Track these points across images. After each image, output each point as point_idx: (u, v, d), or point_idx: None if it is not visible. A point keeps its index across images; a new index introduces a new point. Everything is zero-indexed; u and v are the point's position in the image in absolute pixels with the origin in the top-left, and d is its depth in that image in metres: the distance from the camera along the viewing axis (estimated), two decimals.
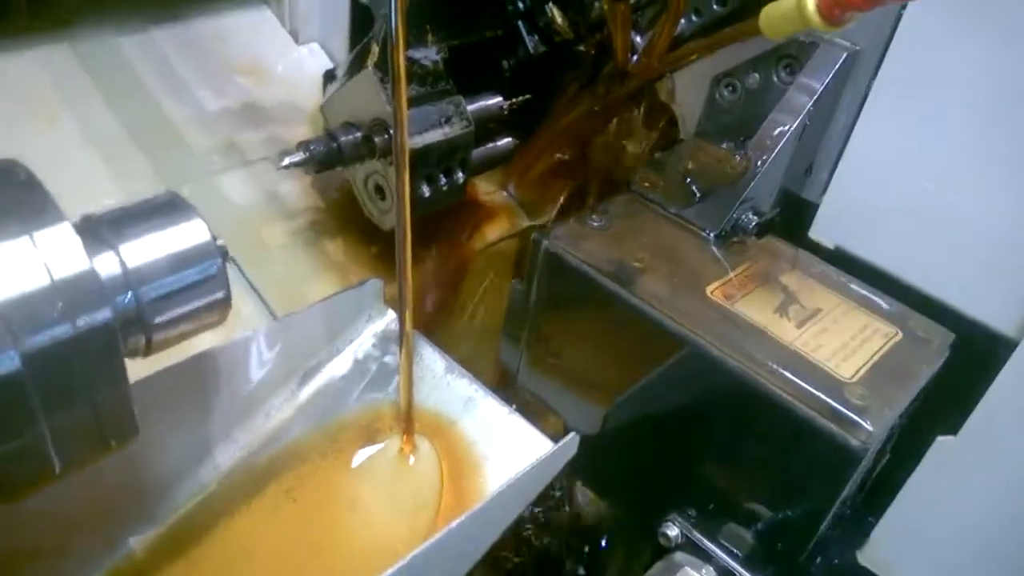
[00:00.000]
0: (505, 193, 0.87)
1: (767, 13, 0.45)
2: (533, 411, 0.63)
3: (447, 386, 0.61)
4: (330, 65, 0.91)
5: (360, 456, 0.59)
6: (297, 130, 0.84)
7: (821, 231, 0.59)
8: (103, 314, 0.36)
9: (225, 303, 0.44)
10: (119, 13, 0.83)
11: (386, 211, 0.66)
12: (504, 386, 0.65)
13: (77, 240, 0.36)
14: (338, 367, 0.63)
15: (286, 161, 0.62)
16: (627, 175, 0.74)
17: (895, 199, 0.55)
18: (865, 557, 0.64)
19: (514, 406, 0.60)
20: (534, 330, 0.62)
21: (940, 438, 0.58)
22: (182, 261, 0.42)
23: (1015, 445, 0.55)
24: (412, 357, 0.56)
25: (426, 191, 0.65)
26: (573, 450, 0.54)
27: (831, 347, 0.52)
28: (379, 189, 0.66)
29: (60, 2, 0.80)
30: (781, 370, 0.49)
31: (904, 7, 0.51)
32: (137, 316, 0.40)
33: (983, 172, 0.51)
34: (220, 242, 0.45)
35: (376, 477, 0.58)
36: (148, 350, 0.42)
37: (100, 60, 0.80)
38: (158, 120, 0.78)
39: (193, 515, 0.58)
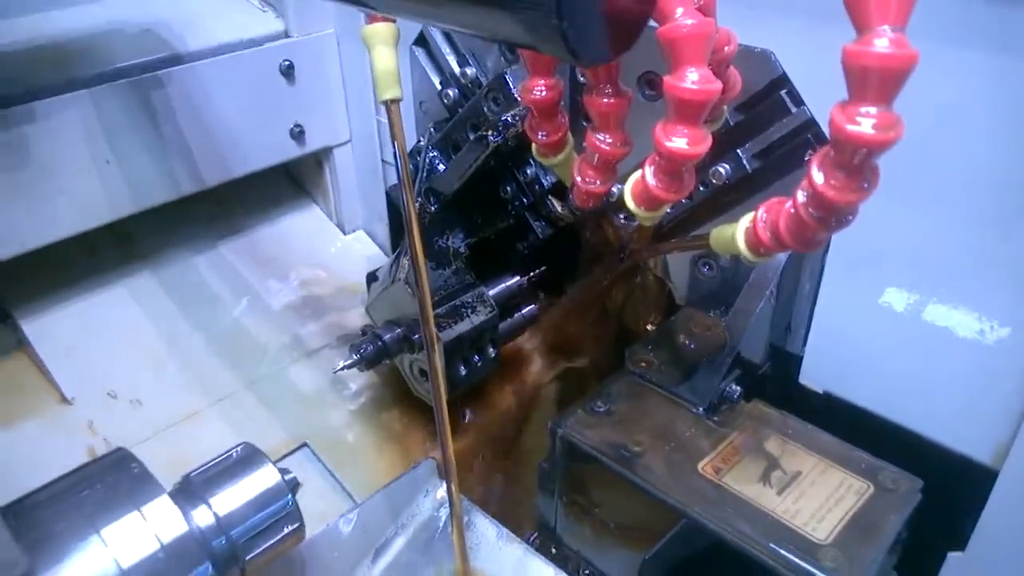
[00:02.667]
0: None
1: (715, 236, 0.53)
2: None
3: (500, 551, 0.70)
4: (375, 249, 1.03)
5: None
6: (350, 314, 0.95)
7: (809, 378, 0.67)
8: (204, 569, 0.46)
9: (300, 531, 0.54)
10: (192, 235, 0.96)
11: (431, 390, 0.76)
12: None
13: (179, 512, 0.47)
14: (404, 541, 0.72)
15: (341, 365, 0.73)
16: (637, 329, 0.83)
17: (867, 347, 0.62)
18: None
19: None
20: (562, 499, 0.71)
21: (951, 554, 0.63)
22: (261, 504, 0.52)
23: (1019, 557, 0.60)
24: (463, 531, 0.65)
25: (463, 371, 0.76)
26: None
27: (808, 510, 0.59)
28: (423, 372, 0.77)
29: (141, 233, 0.94)
30: (764, 540, 0.57)
31: None
32: (231, 554, 0.50)
33: (951, 309, 0.58)
34: (289, 476, 0.55)
35: None
36: None
37: (178, 280, 0.93)
38: (230, 326, 0.90)
39: None
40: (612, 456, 0.62)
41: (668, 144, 0.42)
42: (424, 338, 0.62)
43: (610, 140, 0.50)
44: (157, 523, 0.46)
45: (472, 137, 0.71)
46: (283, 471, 0.54)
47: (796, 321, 0.66)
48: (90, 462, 0.49)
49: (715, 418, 0.66)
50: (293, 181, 1.07)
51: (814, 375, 0.66)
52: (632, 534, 0.68)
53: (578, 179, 0.54)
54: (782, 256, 0.63)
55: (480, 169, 0.71)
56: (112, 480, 0.47)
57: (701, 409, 0.67)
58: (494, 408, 0.87)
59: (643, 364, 0.69)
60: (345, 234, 1.04)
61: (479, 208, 0.78)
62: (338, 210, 1.03)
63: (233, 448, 0.55)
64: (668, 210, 0.52)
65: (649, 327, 0.80)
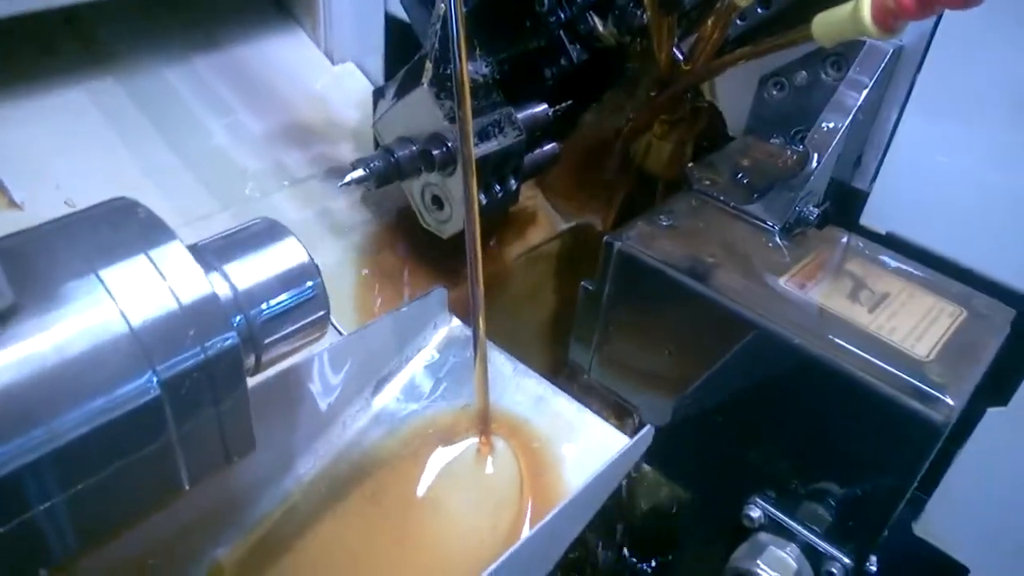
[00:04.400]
0: (541, 198, 0.90)
1: (821, 21, 0.47)
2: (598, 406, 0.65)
3: (517, 387, 0.64)
4: (366, 84, 0.94)
5: (439, 459, 0.61)
6: (340, 147, 0.86)
7: (873, 218, 0.62)
8: (231, 338, 0.38)
9: (325, 320, 0.46)
10: (161, 44, 0.85)
11: (444, 220, 0.69)
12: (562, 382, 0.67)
13: (198, 268, 0.39)
14: (409, 375, 0.66)
15: (348, 178, 0.64)
16: (670, 175, 0.76)
17: (943, 184, 0.57)
18: (920, 528, 0.66)
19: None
20: (606, 328, 0.63)
21: (991, 409, 0.60)
22: (286, 281, 0.44)
23: None
24: (486, 366, 0.58)
25: (483, 199, 0.68)
26: (648, 442, 0.57)
27: (904, 329, 0.54)
28: (436, 199, 0.68)
29: (104, 35, 0.83)
30: (862, 353, 0.51)
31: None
32: (249, 336, 0.43)
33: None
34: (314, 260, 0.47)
35: (456, 478, 0.60)
36: (257, 369, 0.44)
37: (147, 91, 0.82)
38: (207, 146, 0.81)
39: (278, 526, 0.60)
40: (683, 269, 0.55)
41: None
42: (460, 144, 0.53)
43: None
44: (172, 275, 0.37)
45: None
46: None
47: (868, 152, 0.60)
48: (82, 209, 0.40)
49: (790, 240, 0.61)
50: (277, 2, 0.96)
51: (879, 215, 0.61)
52: (677, 377, 0.61)
53: None
54: (874, 71, 0.57)
55: None
56: (114, 222, 0.38)
57: (776, 228, 0.61)
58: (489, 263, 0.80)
59: (708, 182, 0.62)
60: (334, 64, 0.94)
61: (507, 23, 0.69)
62: (327, 37, 0.93)
63: (246, 221, 0.46)
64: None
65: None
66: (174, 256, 0.38)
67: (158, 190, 0.75)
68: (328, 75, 0.94)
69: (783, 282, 0.56)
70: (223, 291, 0.42)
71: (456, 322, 0.68)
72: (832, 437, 0.53)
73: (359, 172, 0.65)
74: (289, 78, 0.91)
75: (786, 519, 0.55)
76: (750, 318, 0.53)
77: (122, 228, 0.38)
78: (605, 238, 0.60)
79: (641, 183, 0.83)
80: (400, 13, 0.87)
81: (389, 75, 0.92)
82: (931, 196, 0.59)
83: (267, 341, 0.43)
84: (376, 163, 0.65)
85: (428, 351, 0.67)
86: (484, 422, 0.60)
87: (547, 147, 0.75)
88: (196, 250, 0.44)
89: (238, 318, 0.42)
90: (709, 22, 0.59)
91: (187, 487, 0.41)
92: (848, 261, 0.60)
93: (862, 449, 0.51)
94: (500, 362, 0.65)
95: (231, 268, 0.43)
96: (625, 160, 0.78)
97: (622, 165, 0.78)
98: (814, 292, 0.55)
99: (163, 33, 0.86)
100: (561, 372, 0.75)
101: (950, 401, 0.47)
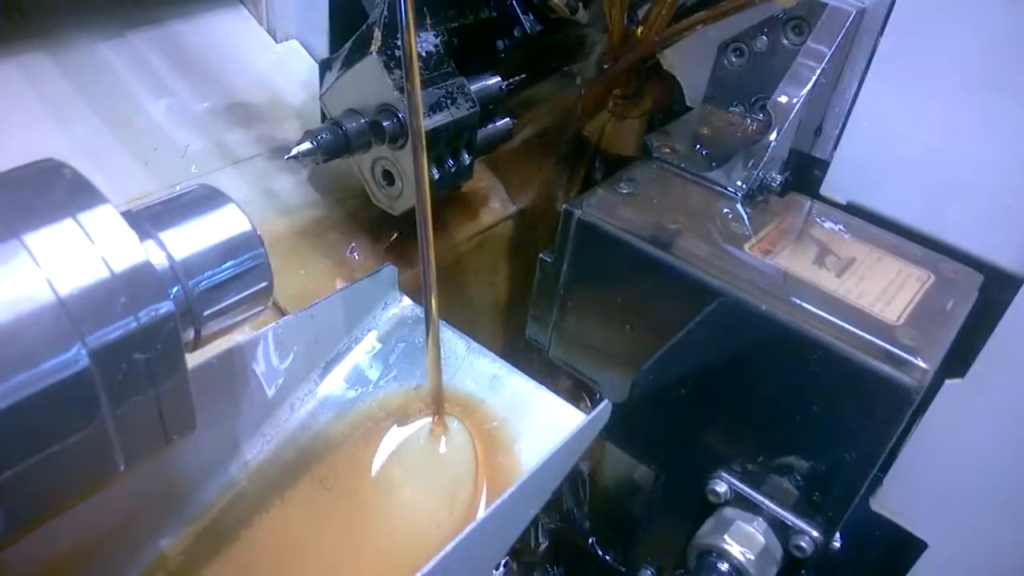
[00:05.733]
0: (494, 178, 0.88)
1: None
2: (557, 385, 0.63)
3: (471, 366, 0.62)
4: (310, 62, 0.91)
5: (390, 440, 0.59)
6: (285, 126, 0.84)
7: (833, 187, 0.61)
8: (165, 306, 0.36)
9: (268, 292, 0.44)
10: (94, 18, 0.82)
11: (395, 196, 0.67)
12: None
13: (132, 234, 0.36)
14: (358, 355, 0.63)
15: (294, 151, 0.61)
16: (628, 153, 0.75)
17: (903, 152, 0.57)
18: (878, 503, 0.65)
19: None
20: (565, 303, 0.62)
21: (948, 381, 0.60)
22: (227, 251, 0.42)
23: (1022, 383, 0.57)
24: (439, 345, 0.56)
25: (436, 173, 0.66)
26: (606, 418, 0.55)
27: (872, 293, 0.53)
28: (387, 174, 0.66)
29: (34, 9, 0.79)
30: (832, 318, 0.50)
31: None
32: (187, 309, 0.40)
33: (985, 122, 0.53)
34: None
35: (410, 460, 0.59)
36: (197, 344, 0.42)
37: (80, 66, 0.78)
38: (145, 124, 0.77)
39: (224, 513, 0.58)
40: (646, 237, 0.54)
41: None
42: (410, 118, 0.51)
43: None
44: (103, 240, 0.35)
45: None
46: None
47: (829, 121, 0.59)
48: (3, 172, 0.38)
49: (753, 207, 0.60)
50: None
51: (840, 184, 0.60)
52: (640, 350, 0.60)
53: None
54: (835, 35, 0.56)
55: None
56: (38, 184, 0.36)
57: (739, 195, 0.60)
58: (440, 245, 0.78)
59: (667, 150, 0.61)
60: (277, 42, 0.91)
61: None
62: (270, 13, 0.90)
63: (184, 188, 0.44)
64: None
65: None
66: (105, 220, 0.36)
67: (94, 169, 0.69)
68: (271, 53, 0.91)
69: (747, 248, 0.55)
70: (159, 260, 0.39)
71: (407, 301, 0.66)
72: (800, 406, 0.52)
73: (306, 145, 0.62)
74: (231, 56, 0.88)
75: (753, 493, 0.55)
76: (715, 286, 0.52)
77: (47, 190, 0.36)
78: (564, 207, 0.59)
79: (598, 163, 0.82)
80: None
81: (335, 51, 0.89)
82: (892, 166, 0.58)
83: (207, 313, 0.41)
84: (324, 135, 0.63)
85: (379, 330, 0.65)
86: (437, 402, 0.58)
87: (500, 122, 0.73)
88: (130, 216, 0.41)
89: (175, 289, 0.40)
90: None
91: (123, 468, 0.38)
92: (812, 227, 0.60)
93: (832, 417, 0.50)
94: (453, 341, 0.63)
95: (167, 236, 0.40)
96: (580, 140, 0.77)
97: (578, 145, 0.77)
98: (779, 258, 0.54)
99: (98, 6, 0.83)
100: (516, 354, 0.74)
101: (923, 364, 0.47)
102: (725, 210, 0.60)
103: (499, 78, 0.71)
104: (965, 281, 0.57)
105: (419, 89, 0.50)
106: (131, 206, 0.68)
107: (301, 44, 0.92)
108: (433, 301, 0.55)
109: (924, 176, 0.57)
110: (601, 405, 0.54)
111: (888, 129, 0.57)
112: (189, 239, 0.41)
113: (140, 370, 0.36)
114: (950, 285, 0.56)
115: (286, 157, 0.62)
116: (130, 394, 0.36)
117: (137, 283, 0.36)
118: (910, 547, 0.64)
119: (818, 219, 0.61)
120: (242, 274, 0.42)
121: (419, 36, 0.63)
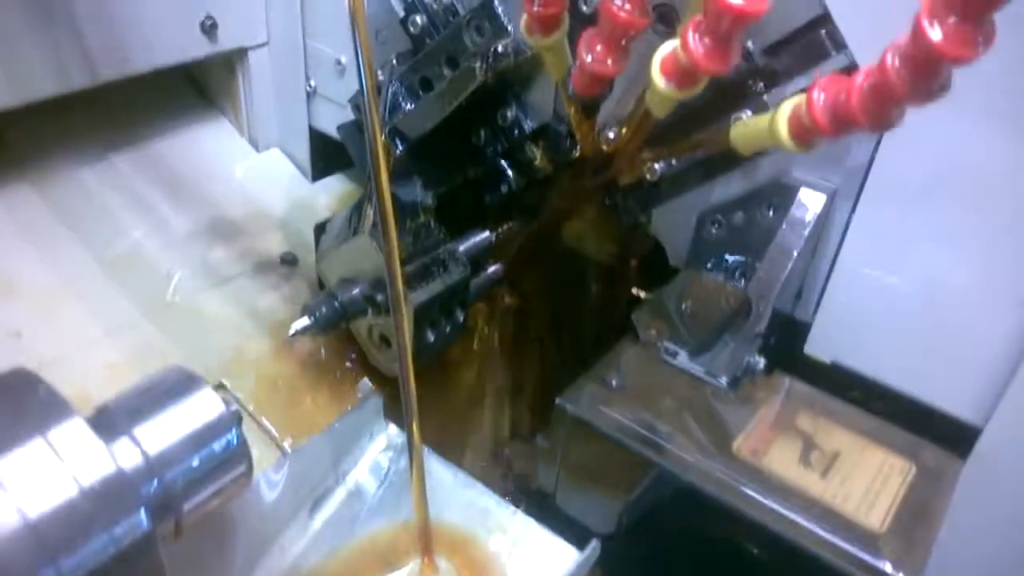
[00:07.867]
0: None
1: (740, 130, 0.47)
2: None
3: (459, 499, 0.62)
4: (292, 170, 0.92)
5: None
6: (269, 239, 0.84)
7: (816, 347, 0.62)
8: (139, 518, 0.36)
9: (248, 474, 0.44)
10: (77, 143, 0.82)
11: (393, 359, 0.67)
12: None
13: (101, 445, 0.36)
14: (346, 491, 0.63)
15: (294, 329, 0.63)
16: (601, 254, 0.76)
17: (880, 313, 0.58)
18: None
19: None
20: (563, 480, 0.66)
21: None
22: (203, 439, 0.42)
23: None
24: (424, 479, 0.56)
25: (431, 336, 0.67)
26: (596, 556, 0.55)
27: (856, 495, 0.55)
28: (383, 338, 0.67)
29: (13, 139, 0.79)
30: (819, 531, 0.53)
31: (876, 150, 0.54)
32: (165, 503, 0.40)
33: (965, 283, 0.54)
34: (233, 407, 0.45)
35: None
36: (178, 532, 0.42)
37: (62, 194, 0.79)
38: (129, 248, 0.78)
39: None
40: (637, 438, 0.57)
41: None
42: (390, 296, 0.52)
43: (628, 7, 0.43)
44: (72, 457, 0.35)
45: (448, 72, 0.60)
46: (224, 400, 0.44)
47: (809, 286, 0.60)
48: None
49: (737, 393, 0.62)
50: (198, 90, 0.94)
51: (822, 344, 0.61)
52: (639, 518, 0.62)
53: (585, 57, 0.46)
54: (811, 215, 0.57)
55: (454, 110, 0.61)
56: (9, 402, 0.36)
57: (725, 384, 0.62)
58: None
59: (653, 332, 0.63)
60: (259, 151, 0.92)
61: (446, 155, 0.68)
62: (251, 124, 0.91)
63: (157, 373, 0.44)
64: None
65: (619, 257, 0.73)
66: (74, 435, 0.36)
67: (75, 299, 0.72)
68: (253, 162, 0.92)
69: (736, 448, 0.57)
70: (133, 459, 0.39)
71: (393, 429, 0.66)
72: None
73: (304, 321, 0.64)
74: (213, 169, 0.89)
75: None
76: (707, 492, 0.55)
77: (16, 406, 0.36)
78: (556, 401, 0.62)
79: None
80: (322, 127, 0.86)
81: (316, 162, 0.90)
82: (871, 324, 0.59)
83: (186, 506, 0.41)
84: (321, 310, 0.64)
85: (365, 463, 0.64)
86: (425, 541, 0.58)
87: (491, 270, 0.75)
88: (104, 413, 0.41)
89: (153, 485, 0.40)
90: (623, 129, 0.58)
91: None
92: (798, 415, 0.62)
93: None
94: (439, 471, 0.63)
95: (142, 431, 0.40)
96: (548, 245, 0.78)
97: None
98: (767, 459, 0.57)
99: (80, 134, 0.83)
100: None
101: None
102: (712, 400, 0.62)
103: (488, 232, 0.73)
104: (947, 470, 0.58)
105: (399, 275, 0.51)
106: (114, 336, 0.68)
107: (283, 152, 0.93)
108: (416, 435, 0.54)
109: (906, 336, 0.58)
110: (591, 545, 0.55)
111: (866, 292, 0.58)
112: (164, 432, 0.41)
113: None
114: (931, 477, 0.58)
115: (286, 337, 0.65)
116: None
117: (108, 497, 0.36)
118: None
119: (801, 404, 0.63)
120: (220, 463, 0.42)
121: (410, 196, 0.65)
